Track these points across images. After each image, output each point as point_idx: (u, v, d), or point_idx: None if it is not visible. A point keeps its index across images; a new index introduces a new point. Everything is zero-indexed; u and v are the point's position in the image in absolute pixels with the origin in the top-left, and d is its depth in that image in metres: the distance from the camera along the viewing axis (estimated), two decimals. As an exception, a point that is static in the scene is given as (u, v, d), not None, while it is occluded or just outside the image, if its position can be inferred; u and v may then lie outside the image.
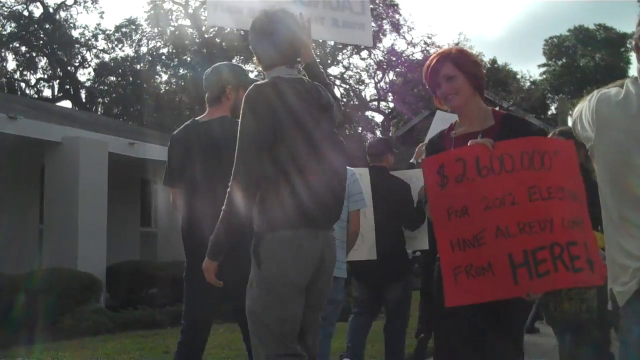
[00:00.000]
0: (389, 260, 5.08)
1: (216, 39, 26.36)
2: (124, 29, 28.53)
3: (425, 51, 26.56)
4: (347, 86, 28.19)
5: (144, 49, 28.51)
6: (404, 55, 26.90)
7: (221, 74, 4.05)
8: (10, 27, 26.82)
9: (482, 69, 3.23)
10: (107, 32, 28.67)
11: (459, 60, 3.12)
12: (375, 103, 28.61)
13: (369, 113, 29.13)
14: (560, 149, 2.97)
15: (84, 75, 34.71)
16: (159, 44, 28.03)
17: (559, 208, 2.84)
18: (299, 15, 3.28)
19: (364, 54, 27.47)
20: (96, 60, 28.95)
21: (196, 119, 4.08)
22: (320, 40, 22.21)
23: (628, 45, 39.62)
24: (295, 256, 2.85)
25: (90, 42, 28.75)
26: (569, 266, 2.78)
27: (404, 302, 5.38)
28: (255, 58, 3.25)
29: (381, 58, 27.18)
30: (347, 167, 4.92)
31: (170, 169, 4.04)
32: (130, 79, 27.92)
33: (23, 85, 28.54)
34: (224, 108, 3.98)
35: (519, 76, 34.70)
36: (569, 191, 2.87)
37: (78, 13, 31.88)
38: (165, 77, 28.90)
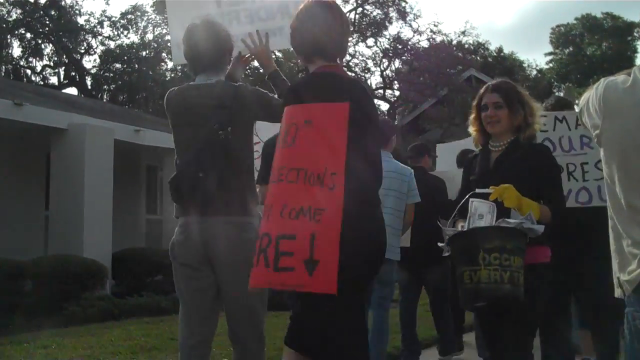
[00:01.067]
0: (430, 246, 5.55)
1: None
2: (129, 16, 28.50)
3: (431, 39, 26.43)
4: (353, 74, 28.10)
5: (149, 36, 28.52)
6: (410, 43, 26.78)
7: None
8: (16, 13, 26.81)
9: (327, 29, 2.82)
10: (113, 18, 28.66)
11: None
12: (381, 91, 28.50)
13: (374, 101, 29.04)
14: (316, 116, 2.47)
15: (90, 62, 34.81)
16: (164, 30, 27.97)
17: (281, 193, 2.46)
18: (256, 32, 3.65)
19: (370, 41, 27.41)
20: (102, 47, 28.97)
21: None
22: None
23: (635, 34, 39.43)
24: (183, 239, 3.36)
25: (95, 29, 28.73)
26: (270, 263, 2.39)
27: (444, 280, 6.22)
28: None
29: (387, 46, 27.08)
30: (405, 166, 5.61)
31: (267, 167, 4.19)
32: (136, 66, 27.90)
33: (29, 72, 28.57)
34: None
35: (525, 65, 34.53)
36: (309, 173, 2.40)
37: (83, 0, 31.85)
38: (170, 64, 28.87)
